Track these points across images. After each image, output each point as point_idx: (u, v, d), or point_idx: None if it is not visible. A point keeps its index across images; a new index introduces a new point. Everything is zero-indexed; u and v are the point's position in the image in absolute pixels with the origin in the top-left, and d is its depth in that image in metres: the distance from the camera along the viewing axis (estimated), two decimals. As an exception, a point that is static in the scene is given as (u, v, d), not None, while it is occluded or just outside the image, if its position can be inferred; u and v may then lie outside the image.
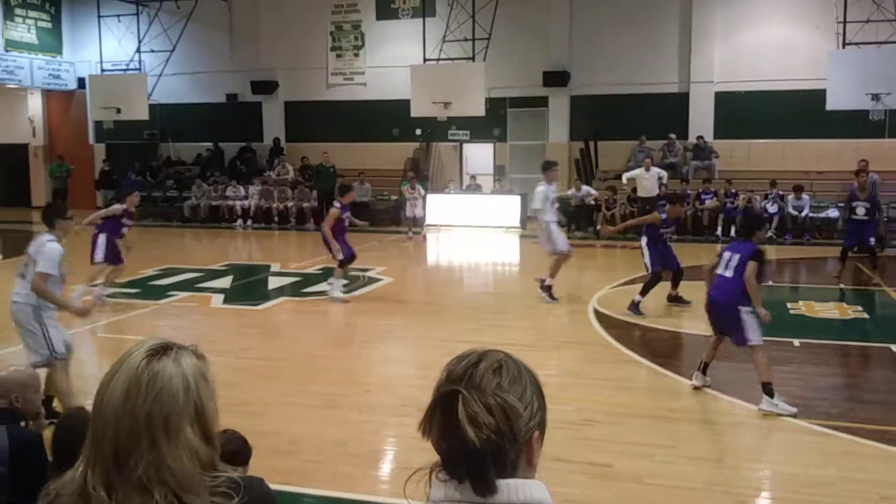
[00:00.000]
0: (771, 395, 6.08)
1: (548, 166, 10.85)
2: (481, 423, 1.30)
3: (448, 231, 18.27)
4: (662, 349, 8.17)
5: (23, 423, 3.85)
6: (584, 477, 4.96)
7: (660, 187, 16.71)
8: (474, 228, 18.09)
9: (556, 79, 19.15)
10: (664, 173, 16.91)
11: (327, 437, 5.78)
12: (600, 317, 9.48)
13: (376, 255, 14.71)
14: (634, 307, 9.48)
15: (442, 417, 1.33)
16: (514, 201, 18.50)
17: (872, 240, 11.99)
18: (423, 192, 17.78)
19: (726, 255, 6.46)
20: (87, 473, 1.41)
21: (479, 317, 9.74)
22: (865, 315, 9.91)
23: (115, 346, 8.79)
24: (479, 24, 17.63)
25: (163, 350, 1.45)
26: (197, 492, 1.40)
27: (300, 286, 11.87)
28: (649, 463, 5.22)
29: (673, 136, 18.48)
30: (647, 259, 9.76)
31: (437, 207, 18.80)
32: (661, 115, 18.62)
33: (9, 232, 20.19)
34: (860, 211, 11.89)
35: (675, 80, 18.87)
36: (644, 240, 9.90)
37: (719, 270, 6.47)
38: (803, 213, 16.47)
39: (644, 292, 9.56)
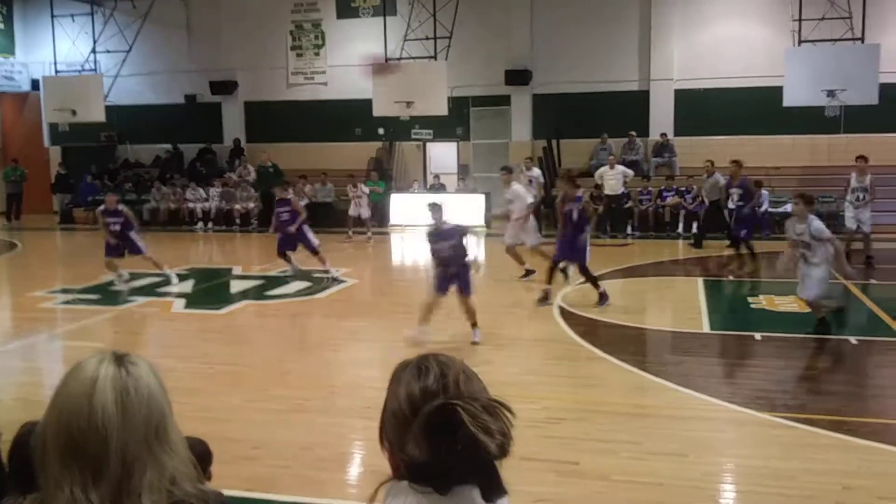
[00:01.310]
0: None
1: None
2: (493, 431, 1.33)
3: (413, 231, 18.21)
4: (626, 346, 8.22)
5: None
6: (553, 475, 4.96)
7: (624, 185, 16.90)
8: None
9: (518, 77, 19.21)
10: (630, 171, 17.05)
11: (293, 442, 5.71)
12: (565, 314, 9.51)
13: (340, 256, 14.60)
14: (601, 299, 9.74)
15: (437, 434, 1.34)
16: (478, 200, 18.50)
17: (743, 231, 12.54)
18: (366, 190, 17.63)
19: None
20: (78, 493, 1.37)
21: (442, 317, 9.69)
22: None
23: (75, 354, 8.60)
24: (440, 23, 17.61)
25: (124, 356, 1.47)
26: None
27: (263, 289, 11.73)
28: (616, 459, 5.24)
29: (633, 133, 18.65)
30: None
31: (401, 207, 18.75)
32: (622, 112, 18.78)
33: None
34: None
35: (635, 77, 19.04)
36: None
37: None
38: (762, 209, 16.73)
39: (594, 284, 9.87)
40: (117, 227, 11.46)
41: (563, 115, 19.14)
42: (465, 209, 18.55)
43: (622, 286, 11.22)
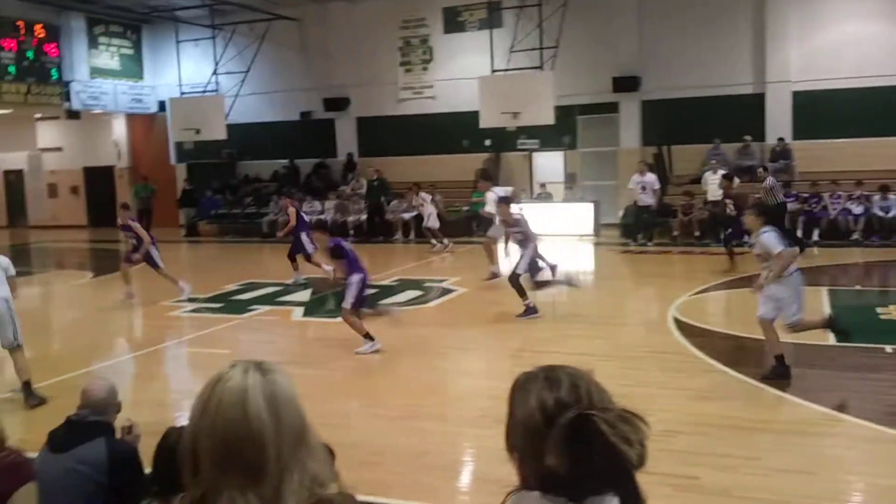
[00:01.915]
0: None
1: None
2: (633, 440, 1.36)
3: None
4: (746, 358, 7.95)
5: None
6: (670, 489, 4.87)
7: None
8: (546, 237, 17.99)
9: (626, 84, 18.94)
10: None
11: (407, 449, 5.83)
12: (680, 325, 9.30)
13: (449, 266, 14.80)
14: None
15: (575, 444, 1.36)
16: (586, 209, 18.33)
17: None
18: (427, 198, 17.66)
19: None
20: (237, 496, 1.43)
21: (552, 327, 9.69)
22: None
23: (202, 360, 9.11)
24: (546, 34, 17.60)
25: (264, 364, 1.53)
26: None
27: (377, 298, 11.98)
28: (737, 475, 5.10)
29: (748, 137, 18.03)
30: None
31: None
32: (736, 117, 18.20)
33: (97, 251, 21.17)
34: None
35: (749, 80, 18.41)
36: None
37: None
38: (890, 214, 15.83)
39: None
40: (133, 241, 12.07)
41: (674, 121, 18.72)
42: (573, 218, 18.44)
43: (738, 297, 10.85)
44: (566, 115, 18.96)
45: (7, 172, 27.05)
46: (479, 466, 5.63)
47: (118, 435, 3.97)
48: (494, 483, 5.01)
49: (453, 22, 20.96)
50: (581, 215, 18.33)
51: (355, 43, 21.61)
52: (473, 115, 18.19)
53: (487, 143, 20.36)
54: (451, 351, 8.99)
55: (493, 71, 18.13)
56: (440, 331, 9.93)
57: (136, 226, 12.04)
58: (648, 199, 16.52)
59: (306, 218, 13.78)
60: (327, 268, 12.43)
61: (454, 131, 20.42)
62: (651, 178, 16.68)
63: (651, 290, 12.51)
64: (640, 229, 16.93)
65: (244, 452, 1.43)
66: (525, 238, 10.26)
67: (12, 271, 7.27)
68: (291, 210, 13.59)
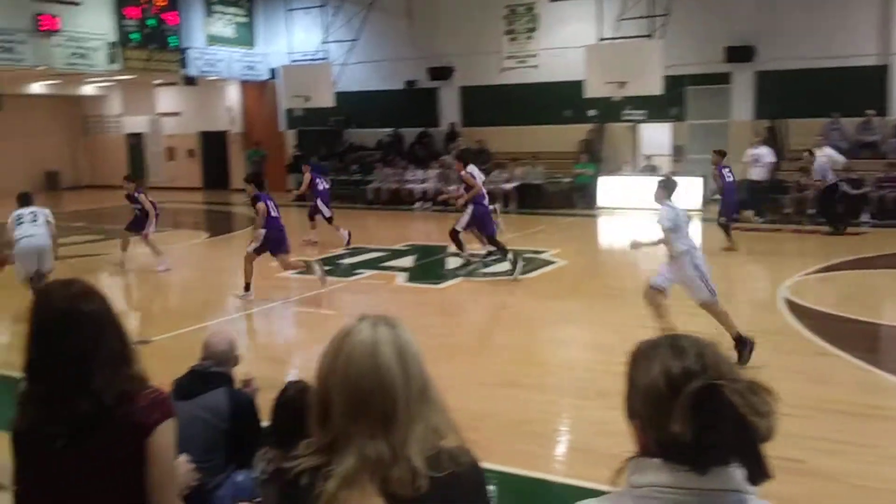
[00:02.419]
0: None
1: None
2: (762, 412, 1.36)
3: (622, 214, 17.94)
4: (860, 341, 7.64)
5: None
6: (776, 471, 4.78)
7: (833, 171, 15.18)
8: (650, 211, 17.62)
9: (739, 54, 18.18)
10: (838, 156, 15.30)
11: (507, 415, 5.92)
12: (792, 306, 9.00)
13: (548, 237, 14.74)
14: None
15: (701, 413, 1.35)
16: (693, 183, 17.83)
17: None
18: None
19: None
20: (366, 444, 1.50)
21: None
22: None
23: (310, 319, 9.49)
24: (657, 1, 17.07)
25: (390, 319, 1.61)
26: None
27: (477, 267, 12.13)
28: (846, 461, 4.96)
29: (871, 111, 17.03)
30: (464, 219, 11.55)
31: (609, 189, 18.52)
32: (857, 90, 17.17)
33: (212, 213, 22.16)
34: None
35: (872, 52, 17.34)
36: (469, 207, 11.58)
37: None
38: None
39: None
40: (138, 211, 12.50)
41: (790, 93, 17.85)
42: (680, 192, 17.97)
43: (856, 278, 10.41)
44: (675, 85, 18.38)
45: (129, 135, 28.56)
46: (578, 437, 5.68)
47: (237, 387, 4.21)
48: (592, 453, 5.08)
49: (561, -11, 20.59)
50: (689, 189, 17.83)
51: (462, 11, 21.55)
52: (577, 85, 17.91)
53: (591, 113, 20.02)
54: (550, 322, 9.03)
55: (601, 39, 17.76)
56: (539, 302, 9.96)
57: (143, 197, 12.52)
58: (761, 174, 15.90)
59: (321, 186, 14.89)
60: (343, 232, 14.00)
61: (557, 101, 20.16)
62: (764, 151, 16.04)
63: (760, 268, 12.12)
64: (750, 205, 16.35)
65: (374, 402, 1.50)
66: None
67: (52, 219, 9.49)
68: (307, 176, 15.07)
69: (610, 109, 19.16)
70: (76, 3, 19.67)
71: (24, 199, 9.57)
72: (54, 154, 27.81)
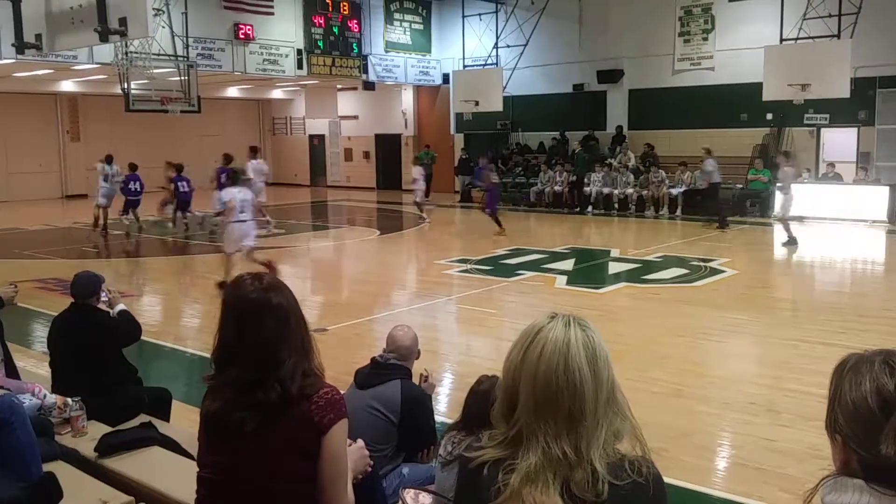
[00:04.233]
0: None
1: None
2: None
3: (802, 223, 17.05)
4: None
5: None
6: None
7: None
8: (832, 221, 16.68)
9: (940, 53, 16.76)
10: None
11: (671, 426, 5.79)
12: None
13: (719, 245, 14.30)
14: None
15: None
16: (881, 192, 16.65)
17: None
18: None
19: None
20: (551, 442, 1.49)
21: (834, 319, 9.07)
22: None
23: (472, 316, 9.81)
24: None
25: (581, 320, 1.59)
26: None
27: (639, 273, 12.03)
28: None
29: None
30: None
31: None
32: None
33: (384, 211, 23.22)
34: None
35: None
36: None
37: None
38: None
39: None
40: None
41: None
42: (865, 202, 16.86)
43: None
44: (864, 87, 17.27)
45: (312, 137, 30.42)
46: (743, 453, 5.52)
47: (416, 381, 4.29)
48: (758, 471, 4.98)
49: (741, -11, 19.83)
50: (874, 199, 16.69)
51: (633, 14, 21.28)
52: (754, 87, 17.20)
53: (769, 116, 19.15)
54: (716, 332, 8.80)
55: (782, 40, 16.95)
56: (705, 311, 9.71)
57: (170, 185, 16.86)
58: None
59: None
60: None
61: (732, 104, 19.46)
62: None
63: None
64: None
65: (562, 402, 1.49)
66: None
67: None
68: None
69: (789, 112, 18.25)
70: (271, 13, 21.26)
71: (235, 179, 11.32)
72: (242, 153, 30.05)
